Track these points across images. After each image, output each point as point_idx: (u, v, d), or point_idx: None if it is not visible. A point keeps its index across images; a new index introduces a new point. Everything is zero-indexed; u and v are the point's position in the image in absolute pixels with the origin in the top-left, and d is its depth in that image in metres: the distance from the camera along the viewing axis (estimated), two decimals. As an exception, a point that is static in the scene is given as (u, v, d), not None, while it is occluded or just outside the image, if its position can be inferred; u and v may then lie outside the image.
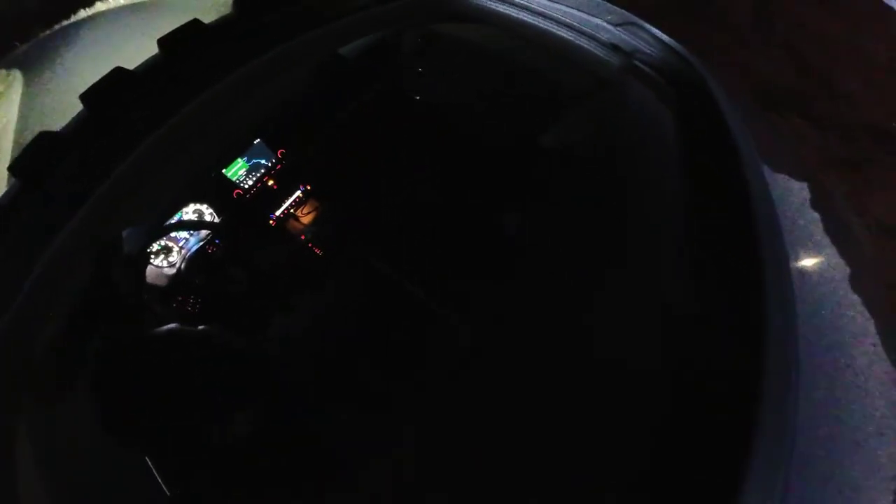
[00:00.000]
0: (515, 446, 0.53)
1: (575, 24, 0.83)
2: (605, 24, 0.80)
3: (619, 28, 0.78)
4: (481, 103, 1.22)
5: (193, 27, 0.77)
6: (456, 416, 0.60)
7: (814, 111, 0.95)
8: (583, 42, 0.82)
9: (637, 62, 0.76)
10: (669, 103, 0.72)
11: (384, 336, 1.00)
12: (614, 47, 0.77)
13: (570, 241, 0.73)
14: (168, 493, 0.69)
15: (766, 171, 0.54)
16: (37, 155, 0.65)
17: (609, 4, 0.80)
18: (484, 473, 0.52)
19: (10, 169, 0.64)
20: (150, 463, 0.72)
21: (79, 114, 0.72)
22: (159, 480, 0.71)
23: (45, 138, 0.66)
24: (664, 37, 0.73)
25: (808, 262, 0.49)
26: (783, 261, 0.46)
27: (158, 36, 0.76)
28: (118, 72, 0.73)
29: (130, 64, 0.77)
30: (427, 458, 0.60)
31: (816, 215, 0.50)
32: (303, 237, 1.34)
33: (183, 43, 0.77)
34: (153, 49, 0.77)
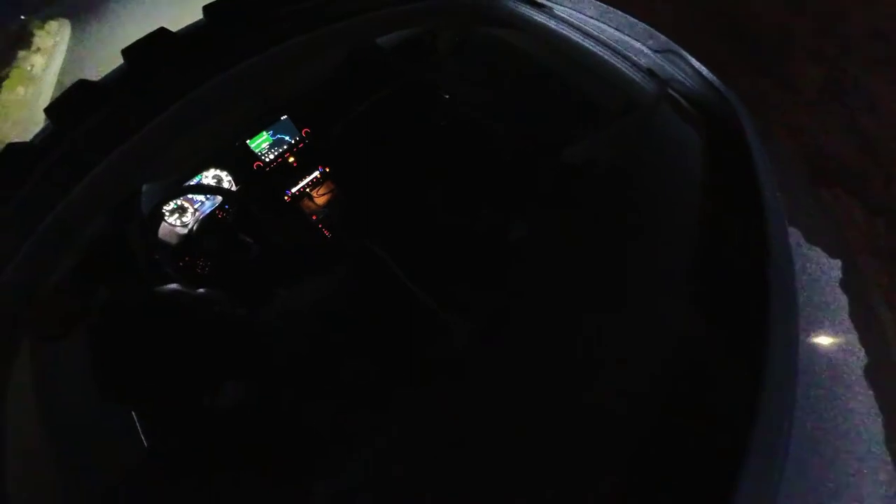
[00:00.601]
0: (502, 447, 0.53)
1: (615, 44, 0.82)
2: (645, 48, 0.79)
3: (658, 55, 0.77)
4: (509, 109, 1.22)
5: (241, -2, 0.78)
6: (448, 413, 0.60)
7: (867, 194, 0.93)
8: (619, 63, 0.81)
9: (671, 90, 0.75)
10: (698, 135, 0.71)
11: (381, 326, 1.01)
12: (650, 72, 0.77)
13: (579, 256, 0.72)
14: (146, 445, 0.71)
15: (800, 239, 0.53)
16: (72, 101, 0.67)
17: (653, 30, 0.80)
18: (469, 473, 0.52)
19: (46, 111, 0.66)
20: (134, 415, 0.74)
21: (118, 67, 0.75)
22: (140, 431, 0.72)
23: (82, 86, 0.68)
24: (703, 69, 0.72)
25: (823, 341, 0.47)
26: (792, 318, 0.45)
27: (206, 2, 0.77)
28: (161, 32, 0.75)
29: (175, 26, 0.79)
30: (412, 450, 0.60)
31: (845, 298, 0.49)
32: (314, 217, 1.35)
33: (228, 12, 0.79)
34: (199, 14, 0.79)
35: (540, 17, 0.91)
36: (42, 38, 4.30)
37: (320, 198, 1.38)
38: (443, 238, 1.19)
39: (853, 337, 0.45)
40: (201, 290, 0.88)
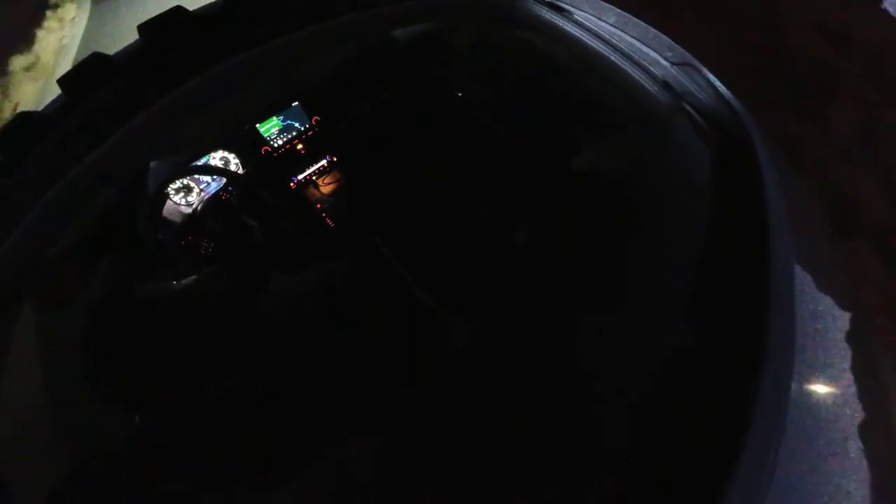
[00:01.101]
0: (501, 446, 0.53)
1: (632, 54, 0.81)
2: (662, 59, 0.78)
3: (675, 67, 0.76)
4: (520, 111, 1.21)
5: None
6: (447, 412, 0.60)
7: (889, 251, 0.88)
8: (635, 73, 0.80)
9: (685, 104, 0.75)
10: (708, 151, 0.70)
11: (381, 323, 1.01)
12: (666, 84, 0.76)
13: (580, 260, 0.72)
14: (137, 420, 0.71)
15: (812, 286, 0.51)
16: (85, 74, 0.67)
17: (671, 42, 0.79)
18: (467, 472, 0.53)
19: (59, 81, 0.66)
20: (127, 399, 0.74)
21: (133, 42, 0.75)
22: (133, 407, 0.73)
23: (96, 59, 0.68)
24: (719, 85, 0.71)
25: (819, 389, 0.46)
26: (789, 335, 0.45)
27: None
28: (177, 10, 0.75)
29: (192, 5, 0.79)
30: (410, 448, 0.60)
31: (849, 351, 0.48)
32: (318, 206, 1.35)
33: (247, -6, 0.78)
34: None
35: (559, 21, 0.90)
36: (62, 10, 4.32)
37: (326, 187, 1.38)
38: (445, 236, 1.18)
39: (851, 391, 0.44)
40: (192, 278, 0.88)
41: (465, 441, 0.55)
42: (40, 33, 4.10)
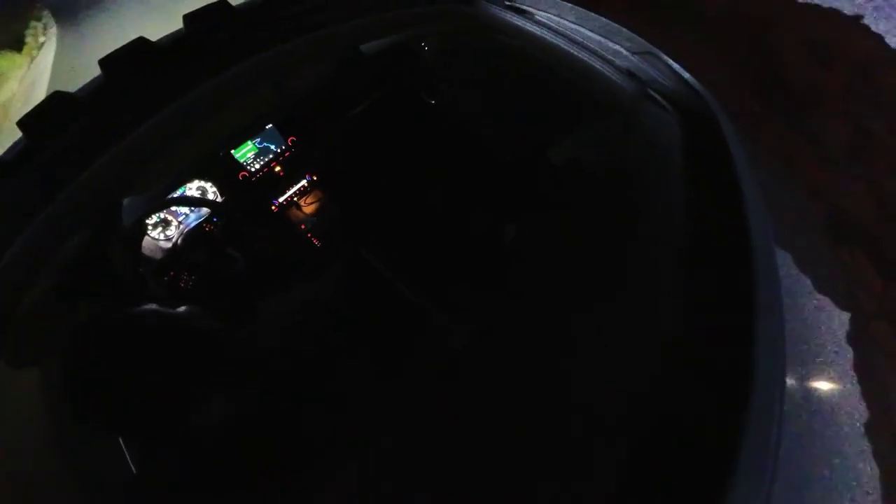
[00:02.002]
0: (499, 448, 0.53)
1: (595, 47, 0.84)
2: (623, 50, 0.81)
3: (636, 56, 0.80)
4: (492, 113, 1.24)
5: (220, 6, 0.78)
6: (438, 422, 0.59)
7: (884, 259, 0.87)
8: (600, 65, 0.83)
9: (651, 90, 0.78)
10: (678, 135, 0.73)
11: (372, 335, 1.00)
12: (629, 73, 0.79)
13: (566, 256, 0.73)
14: (135, 472, 0.68)
15: (810, 287, 0.53)
16: (47, 113, 0.65)
17: (630, 33, 0.82)
18: (466, 473, 0.52)
19: (18, 124, 0.63)
20: (120, 442, 0.70)
21: (96, 78, 0.73)
22: (127, 458, 0.69)
23: (57, 98, 0.66)
24: (680, 70, 0.74)
25: (822, 386, 0.48)
26: (777, 310, 0.46)
27: (186, 11, 0.76)
28: (140, 42, 0.73)
29: (155, 35, 0.78)
30: (405, 460, 0.59)
31: (850, 350, 0.49)
32: (302, 227, 1.33)
33: (208, 21, 0.78)
34: (179, 23, 0.78)
35: (522, 23, 0.93)
36: (26, 47, 4.16)
37: (308, 207, 1.37)
38: (434, 242, 1.18)
39: (854, 388, 0.46)
40: (181, 308, 0.85)
41: (465, 443, 0.54)
42: (5, 71, 3.94)
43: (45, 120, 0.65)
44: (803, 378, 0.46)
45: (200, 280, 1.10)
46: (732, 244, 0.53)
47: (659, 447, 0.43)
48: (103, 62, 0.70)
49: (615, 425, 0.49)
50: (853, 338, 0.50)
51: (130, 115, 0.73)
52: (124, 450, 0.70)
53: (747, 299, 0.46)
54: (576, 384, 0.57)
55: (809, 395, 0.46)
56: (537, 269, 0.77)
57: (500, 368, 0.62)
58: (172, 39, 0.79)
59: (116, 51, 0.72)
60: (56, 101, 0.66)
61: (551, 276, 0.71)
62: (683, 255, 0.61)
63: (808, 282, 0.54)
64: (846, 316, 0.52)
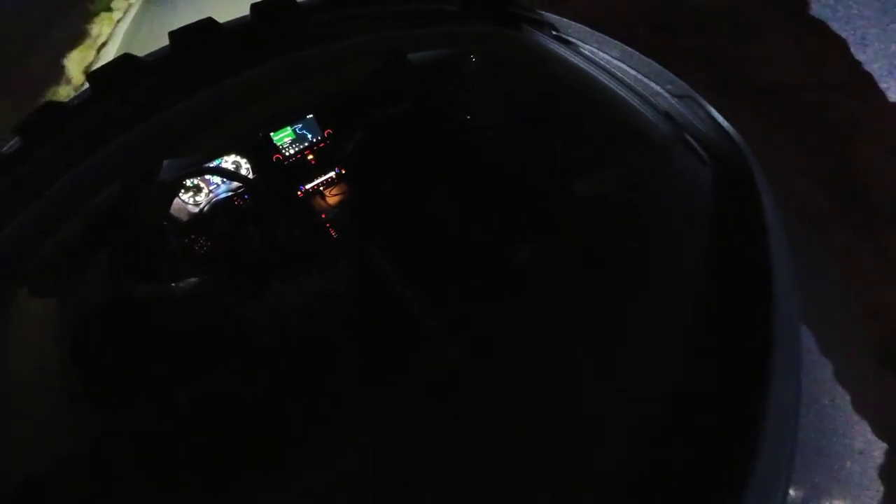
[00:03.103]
0: (493, 456, 0.51)
1: (635, 85, 0.85)
2: (663, 92, 0.82)
3: (676, 99, 0.80)
4: (524, 137, 1.25)
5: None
6: (438, 422, 0.58)
7: None
8: (637, 104, 0.84)
9: (687, 135, 0.77)
10: (710, 183, 0.72)
11: (374, 334, 0.99)
12: (667, 115, 0.79)
13: (575, 284, 0.72)
14: (125, 423, 0.69)
15: (850, 409, 0.50)
16: (114, 72, 0.71)
17: (672, 75, 0.82)
18: (460, 480, 0.50)
19: (87, 77, 0.69)
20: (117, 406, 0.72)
21: (163, 47, 0.79)
22: (121, 409, 0.70)
23: (125, 59, 0.72)
24: (719, 117, 0.74)
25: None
26: (795, 358, 0.44)
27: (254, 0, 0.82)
28: (208, 22, 0.79)
29: (224, 17, 0.84)
30: (397, 456, 0.58)
31: (881, 486, 0.45)
32: (323, 216, 1.37)
33: (272, 10, 0.83)
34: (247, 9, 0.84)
35: (566, 53, 0.95)
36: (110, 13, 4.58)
37: (332, 198, 1.41)
38: (446, 253, 1.19)
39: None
40: (191, 279, 0.88)
41: (457, 450, 0.53)
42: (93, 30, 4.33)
43: (111, 76, 0.70)
44: None
45: (218, 249, 1.14)
46: (753, 298, 0.51)
47: (659, 470, 0.41)
48: (172, 34, 0.76)
49: (613, 450, 0.46)
50: (886, 470, 0.46)
51: (187, 86, 0.78)
52: (121, 414, 0.72)
53: (762, 365, 0.44)
54: (577, 403, 0.55)
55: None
56: (545, 293, 0.76)
57: (495, 382, 0.60)
58: (239, 23, 0.85)
59: (186, 26, 0.78)
60: (123, 62, 0.71)
61: (558, 303, 0.70)
62: (697, 307, 0.58)
63: (849, 402, 0.50)
64: (883, 446, 0.48)
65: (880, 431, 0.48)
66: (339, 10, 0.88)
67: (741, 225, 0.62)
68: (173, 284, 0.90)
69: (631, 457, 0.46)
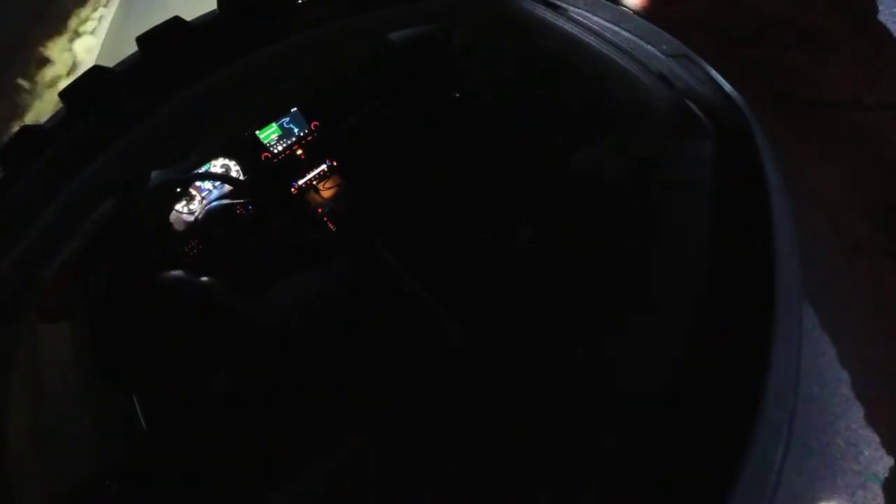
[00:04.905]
0: (498, 448, 0.53)
1: (629, 48, 0.81)
2: (658, 53, 0.78)
3: (671, 59, 0.76)
4: (519, 111, 1.21)
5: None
6: (444, 414, 0.60)
7: None
8: (633, 68, 0.80)
9: (685, 97, 0.74)
10: (710, 145, 0.70)
11: (378, 323, 1.01)
12: (663, 77, 0.75)
13: (578, 264, 0.72)
14: (145, 428, 0.72)
15: (874, 443, 0.48)
16: (86, 86, 0.68)
17: (666, 35, 0.78)
18: (463, 473, 0.52)
19: (60, 95, 0.67)
20: (134, 399, 0.75)
21: (132, 54, 0.75)
22: (139, 414, 0.73)
23: (96, 72, 0.69)
24: (716, 75, 0.71)
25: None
26: (795, 336, 0.44)
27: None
28: (175, 21, 0.75)
29: (190, 15, 0.80)
30: (403, 449, 0.60)
31: (882, 498, 0.44)
32: (319, 210, 1.36)
33: (242, 4, 0.79)
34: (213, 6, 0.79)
35: (555, 19, 0.90)
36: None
37: (326, 191, 1.39)
38: (446, 238, 1.18)
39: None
40: (205, 278, 0.89)
41: (464, 442, 0.55)
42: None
43: (84, 92, 0.68)
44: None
45: (217, 253, 1.14)
46: (755, 265, 0.51)
47: (662, 455, 0.43)
48: (140, 39, 0.73)
49: (618, 434, 0.48)
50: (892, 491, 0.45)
51: (165, 91, 0.75)
52: (137, 407, 0.75)
53: (764, 331, 0.44)
54: (581, 390, 0.56)
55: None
56: (547, 275, 0.76)
57: (497, 371, 0.62)
58: (207, 19, 0.80)
59: (153, 29, 0.74)
60: (95, 75, 0.68)
61: (560, 285, 0.70)
62: (700, 270, 0.58)
63: (861, 409, 0.50)
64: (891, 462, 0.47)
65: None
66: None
67: (743, 191, 0.61)
68: (177, 293, 0.91)
69: (635, 427, 0.48)
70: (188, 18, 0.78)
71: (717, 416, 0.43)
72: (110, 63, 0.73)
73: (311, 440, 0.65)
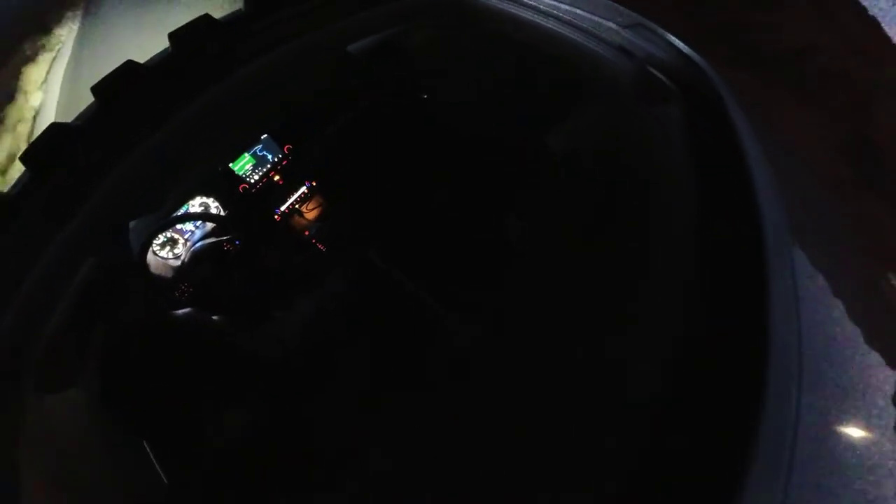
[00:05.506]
0: (508, 452, 0.53)
1: (586, 26, 0.82)
2: (614, 26, 0.79)
3: (628, 30, 0.77)
4: (487, 105, 1.22)
5: (204, 22, 0.77)
6: (451, 418, 0.60)
7: None
8: (593, 45, 0.81)
9: (647, 66, 0.75)
10: (679, 107, 0.71)
11: (384, 334, 1.00)
12: (622, 49, 0.76)
13: (570, 251, 0.72)
14: (166, 481, 0.70)
15: (859, 339, 0.49)
16: (47, 146, 0.66)
17: (619, 7, 0.79)
18: (476, 475, 0.52)
19: (21, 159, 0.65)
20: (149, 450, 0.73)
21: (90, 106, 0.73)
22: (157, 468, 0.72)
23: (55, 130, 0.67)
24: (675, 40, 0.72)
25: (852, 430, 0.44)
26: (789, 297, 0.44)
27: (169, 30, 0.76)
28: (129, 65, 0.73)
29: (142, 57, 0.78)
30: (421, 458, 0.60)
31: (892, 409, 0.45)
32: (307, 233, 1.34)
33: (194, 38, 0.77)
34: (164, 43, 0.78)
35: (511, 8, 0.91)
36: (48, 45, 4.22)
37: (310, 213, 1.37)
38: (436, 239, 1.18)
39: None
40: (214, 316, 0.87)
41: (476, 442, 0.55)
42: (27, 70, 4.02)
43: (46, 152, 0.66)
44: (837, 424, 0.43)
45: (211, 293, 1.12)
46: (741, 225, 0.52)
47: (664, 452, 0.42)
48: (96, 89, 0.71)
49: (622, 425, 0.48)
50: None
51: (127, 140, 0.74)
52: (153, 461, 0.73)
53: (759, 293, 0.45)
54: (583, 382, 0.56)
55: (843, 441, 0.43)
56: (541, 264, 0.77)
57: (508, 367, 0.62)
58: (160, 60, 0.79)
59: (107, 76, 0.72)
60: (54, 133, 0.66)
61: (555, 273, 0.71)
62: (687, 244, 0.59)
63: (860, 333, 0.50)
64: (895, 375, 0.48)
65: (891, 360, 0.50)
66: (262, 19, 0.82)
67: (717, 147, 0.62)
68: (184, 332, 0.90)
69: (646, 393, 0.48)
70: (140, 58, 0.76)
71: (729, 353, 0.43)
72: (69, 117, 0.71)
73: (338, 461, 0.64)
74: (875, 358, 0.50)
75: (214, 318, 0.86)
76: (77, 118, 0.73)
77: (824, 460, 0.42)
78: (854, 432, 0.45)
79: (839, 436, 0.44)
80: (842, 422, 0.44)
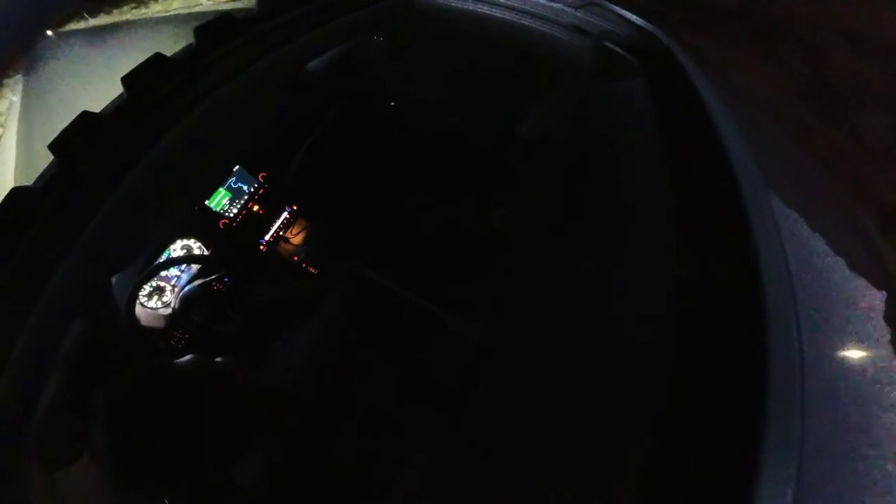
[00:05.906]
0: (526, 463, 0.53)
1: (537, 11, 0.83)
2: (565, 7, 0.80)
3: (579, 10, 0.78)
4: (453, 103, 1.22)
5: (157, 61, 0.75)
6: (467, 430, 0.59)
7: None
8: (548, 29, 0.82)
9: (605, 42, 0.77)
10: (640, 77, 0.72)
11: (388, 345, 0.99)
12: (576, 28, 0.78)
13: (553, 227, 0.73)
14: None
15: (844, 268, 0.50)
16: (10, 212, 0.63)
17: (568, -12, 0.81)
18: (495, 487, 0.52)
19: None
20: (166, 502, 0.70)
21: (50, 164, 0.70)
22: None
23: (16, 194, 0.64)
24: (629, 15, 0.73)
25: (855, 356, 0.45)
26: (781, 272, 0.44)
27: (121, 74, 0.74)
28: (84, 116, 0.71)
29: (96, 105, 0.76)
30: (441, 476, 0.59)
31: (888, 329, 0.46)
32: (295, 258, 1.32)
33: (148, 79, 0.75)
34: (118, 88, 0.76)
35: (464, 4, 0.91)
36: None
37: (295, 237, 1.35)
38: (424, 240, 1.18)
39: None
40: (217, 358, 0.85)
41: (479, 457, 0.54)
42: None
43: (8, 220, 0.63)
44: (839, 356, 0.44)
45: (209, 335, 1.09)
46: (709, 187, 0.53)
47: (679, 443, 0.42)
48: (53, 146, 0.68)
49: (631, 409, 0.48)
50: (891, 317, 0.48)
51: (95, 193, 0.71)
52: None
53: (745, 246, 0.45)
54: (593, 371, 0.57)
55: (846, 372, 0.44)
56: (528, 248, 0.77)
57: (513, 362, 0.62)
58: (117, 105, 0.76)
59: (64, 130, 0.69)
60: (14, 198, 0.64)
61: (542, 254, 0.71)
62: (666, 192, 0.59)
63: (844, 263, 0.52)
64: (882, 295, 0.50)
65: (876, 281, 0.52)
66: (215, 50, 0.80)
67: (684, 116, 0.63)
68: (186, 382, 0.87)
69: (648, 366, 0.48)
70: (95, 107, 0.73)
71: (725, 302, 0.44)
72: (29, 178, 0.68)
73: (368, 485, 0.63)
74: (862, 282, 0.52)
75: (218, 360, 0.84)
76: (38, 179, 0.70)
77: (841, 395, 0.43)
78: (855, 354, 0.46)
79: (848, 363, 0.45)
80: (846, 348, 0.46)
